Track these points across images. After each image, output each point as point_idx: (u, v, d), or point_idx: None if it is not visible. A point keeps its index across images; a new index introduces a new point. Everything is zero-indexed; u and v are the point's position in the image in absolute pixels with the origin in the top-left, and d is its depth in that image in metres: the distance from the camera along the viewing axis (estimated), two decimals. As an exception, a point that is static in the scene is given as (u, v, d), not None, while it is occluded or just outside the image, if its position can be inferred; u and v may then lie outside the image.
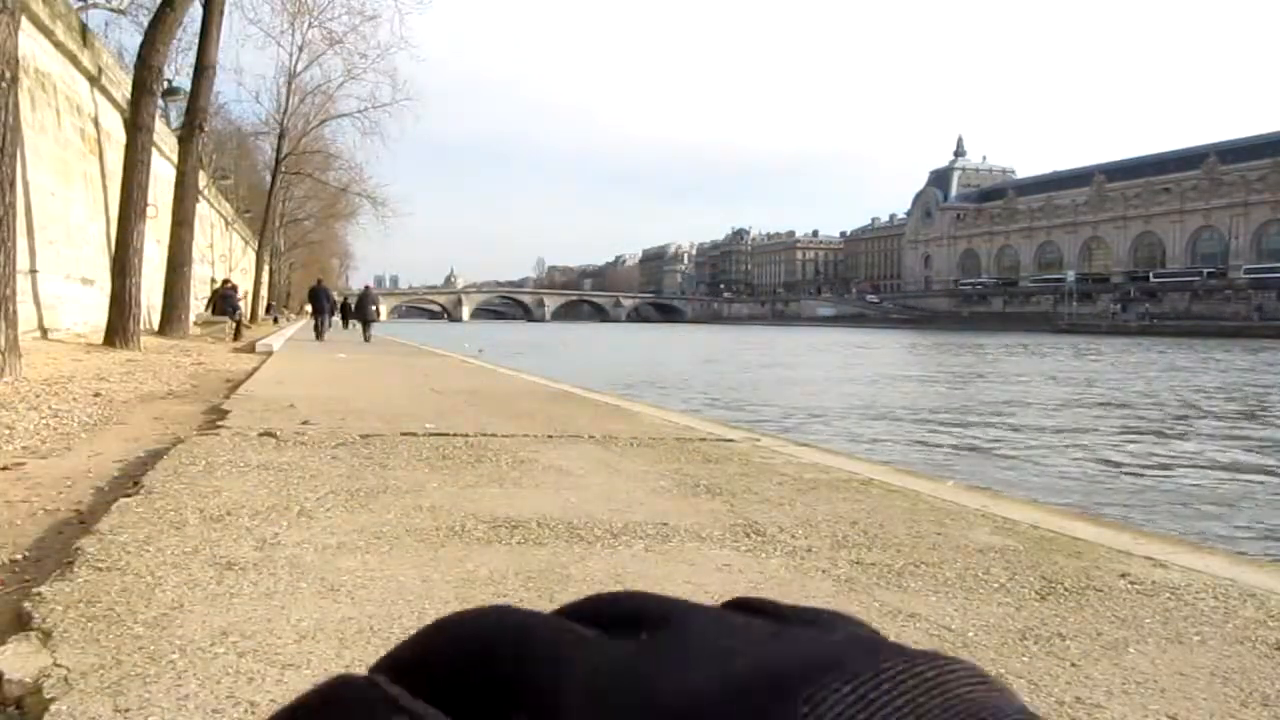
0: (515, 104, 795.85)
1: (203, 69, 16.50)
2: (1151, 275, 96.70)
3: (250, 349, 15.04)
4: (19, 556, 2.68)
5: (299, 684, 1.72)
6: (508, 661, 0.22)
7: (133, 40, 24.88)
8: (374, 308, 22.82)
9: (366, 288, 25.09)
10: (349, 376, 10.43)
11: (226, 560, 2.52)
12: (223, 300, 21.65)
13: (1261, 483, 8.96)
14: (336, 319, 25.53)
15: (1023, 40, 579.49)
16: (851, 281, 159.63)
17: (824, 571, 2.64)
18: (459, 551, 2.73)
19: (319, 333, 21.49)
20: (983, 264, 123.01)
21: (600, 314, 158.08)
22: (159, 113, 17.34)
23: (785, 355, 37.31)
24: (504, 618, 0.23)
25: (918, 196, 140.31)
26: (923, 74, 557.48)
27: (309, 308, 27.03)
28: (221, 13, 17.03)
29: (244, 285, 31.70)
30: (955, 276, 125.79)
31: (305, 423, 5.50)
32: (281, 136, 36.88)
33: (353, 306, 25.75)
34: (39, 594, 2.17)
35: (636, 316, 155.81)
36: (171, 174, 17.19)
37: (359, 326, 22.84)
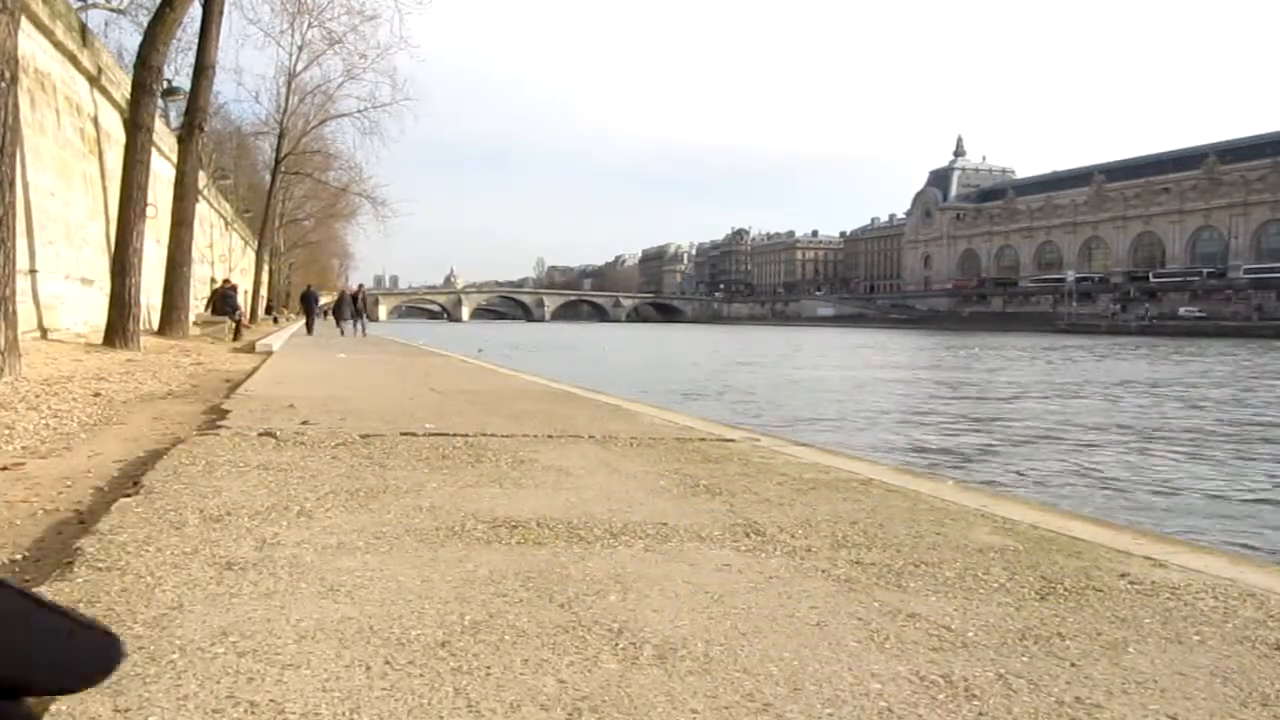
0: (516, 104, 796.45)
1: (202, 69, 16.48)
2: (1151, 275, 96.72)
3: (250, 349, 15.04)
4: (18, 557, 2.68)
5: (299, 684, 1.72)
6: None
7: (133, 40, 24.95)
8: (350, 308, 28.18)
9: (341, 292, 31.06)
10: (349, 376, 10.43)
11: (226, 560, 2.52)
12: (222, 300, 21.65)
13: None
14: (331, 319, 30.17)
15: (1023, 40, 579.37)
16: (851, 281, 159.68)
17: (823, 571, 2.64)
18: (459, 551, 2.73)
19: (310, 328, 27.07)
20: (982, 264, 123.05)
21: (600, 314, 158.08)
22: (159, 113, 17.34)
23: (811, 356, 36.99)
24: None
25: (917, 196, 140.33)
26: (923, 74, 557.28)
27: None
28: (221, 13, 17.02)
29: (244, 285, 31.72)
30: (955, 276, 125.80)
31: (305, 423, 5.50)
32: (281, 136, 36.87)
33: (331, 308, 31.56)
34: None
35: (636, 316, 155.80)
36: (171, 174, 17.18)
37: (348, 325, 28.16)
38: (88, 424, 5.51)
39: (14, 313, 7.24)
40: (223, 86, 60.32)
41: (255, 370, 10.22)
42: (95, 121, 14.95)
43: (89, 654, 0.30)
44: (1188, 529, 6.76)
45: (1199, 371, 28.95)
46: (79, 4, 18.04)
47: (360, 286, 32.39)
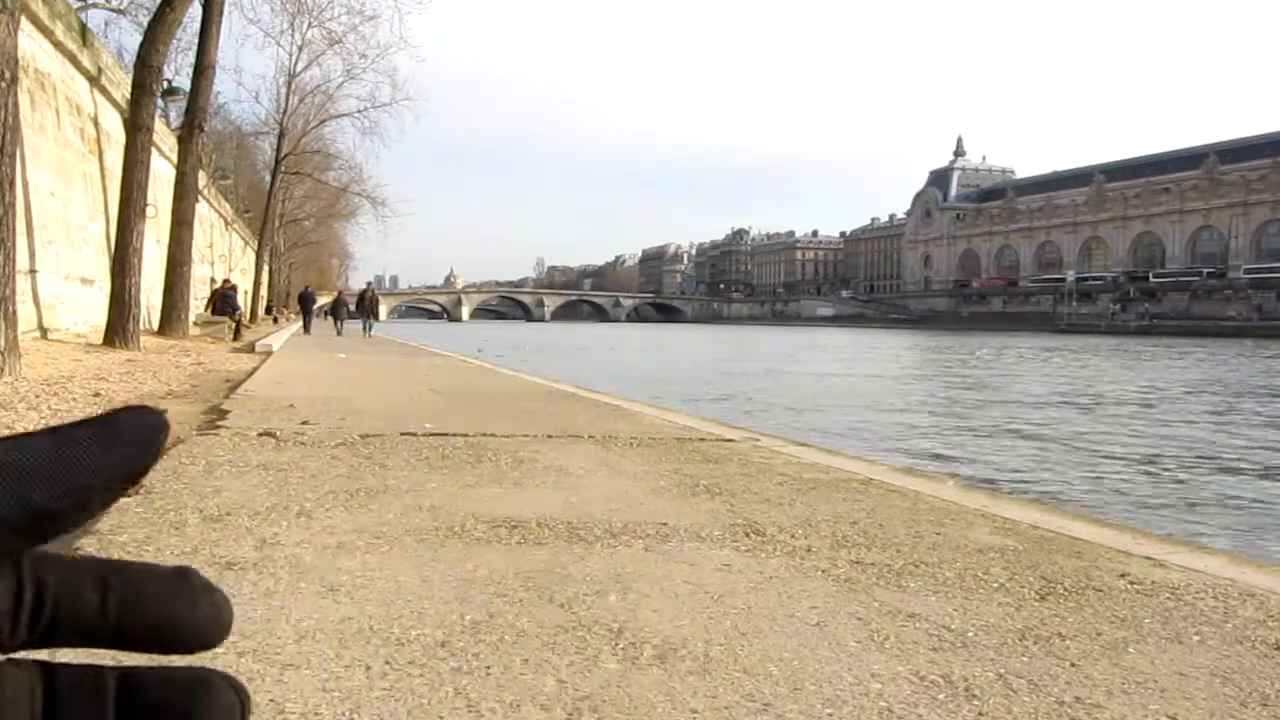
0: (516, 104, 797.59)
1: (202, 69, 16.48)
2: (1151, 275, 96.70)
3: (250, 349, 15.03)
4: (18, 556, 2.68)
5: (299, 684, 1.72)
6: None
7: (133, 40, 25.07)
8: (346, 308, 29.84)
9: (339, 292, 32.57)
10: (349, 376, 10.43)
11: (226, 560, 2.52)
12: (222, 300, 21.64)
13: None
14: (329, 319, 32.10)
15: (1023, 40, 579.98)
16: (851, 281, 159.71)
17: (823, 571, 2.64)
18: (459, 551, 2.73)
19: (306, 328, 27.95)
20: (983, 264, 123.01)
21: (600, 314, 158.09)
22: (159, 113, 17.33)
23: (822, 357, 36.70)
24: None
25: (917, 196, 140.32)
26: (923, 74, 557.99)
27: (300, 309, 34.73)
28: (221, 13, 17.01)
29: (244, 285, 31.75)
30: (955, 276, 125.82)
31: (305, 423, 5.50)
32: (281, 136, 36.87)
33: (329, 308, 33.73)
34: (38, 594, 2.16)
35: (636, 316, 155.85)
36: (171, 174, 17.17)
37: (348, 324, 29.58)
38: (88, 424, 5.50)
39: (14, 313, 7.23)
40: (223, 86, 60.50)
41: (255, 370, 10.22)
42: (95, 121, 14.94)
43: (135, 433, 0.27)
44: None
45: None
46: (79, 4, 18.06)
47: (369, 285, 34.01)
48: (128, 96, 13.90)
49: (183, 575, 0.28)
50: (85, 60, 13.84)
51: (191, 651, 0.27)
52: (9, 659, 0.26)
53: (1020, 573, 2.69)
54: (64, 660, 0.27)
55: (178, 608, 0.27)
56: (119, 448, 0.27)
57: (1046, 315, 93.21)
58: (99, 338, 12.41)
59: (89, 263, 14.14)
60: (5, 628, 0.25)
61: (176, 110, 20.88)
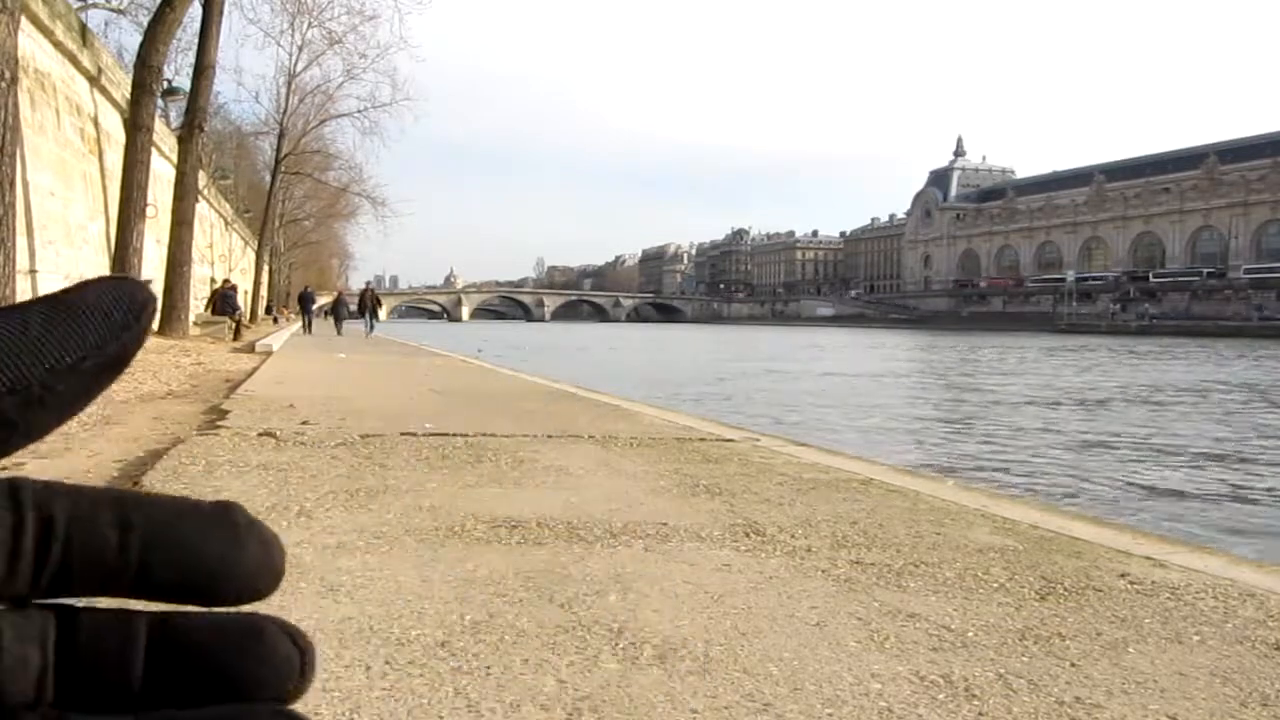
0: (516, 104, 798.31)
1: (202, 69, 16.49)
2: (1151, 275, 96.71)
3: (250, 349, 15.04)
4: (18, 556, 2.68)
5: (298, 684, 1.72)
6: None
7: (133, 40, 25.12)
8: (343, 309, 30.25)
9: (339, 293, 33.31)
10: (349, 376, 10.43)
11: (226, 560, 2.52)
12: (222, 300, 21.65)
13: None
14: (329, 319, 32.89)
15: (1023, 40, 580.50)
16: (851, 281, 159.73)
17: (823, 571, 2.64)
18: (458, 551, 2.73)
19: (307, 328, 28.24)
20: (983, 264, 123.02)
21: (600, 314, 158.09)
22: (159, 113, 17.33)
23: (832, 357, 36.76)
24: None
25: (917, 196, 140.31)
26: (923, 74, 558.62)
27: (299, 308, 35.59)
28: (221, 13, 17.02)
29: (243, 285, 31.79)
30: (955, 276, 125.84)
31: (305, 423, 5.50)
32: (281, 136, 36.88)
33: (329, 308, 34.08)
34: (38, 594, 2.16)
35: (636, 316, 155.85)
36: (171, 174, 17.18)
37: (349, 324, 30.12)
38: (87, 424, 5.50)
39: (14, 313, 7.22)
40: (223, 86, 60.55)
41: (255, 370, 10.22)
42: (95, 121, 14.94)
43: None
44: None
45: None
46: (79, 4, 18.06)
47: (369, 285, 34.70)
48: (128, 96, 13.91)
49: (226, 509, 0.24)
50: (85, 60, 13.84)
51: (236, 602, 0.24)
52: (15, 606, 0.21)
53: (1020, 573, 2.69)
54: (95, 606, 0.22)
55: (217, 547, 0.23)
56: (80, 327, 0.22)
57: (1047, 315, 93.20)
58: (99, 338, 12.40)
59: (89, 263, 14.14)
60: (2, 570, 0.20)
61: (176, 110, 20.88)
